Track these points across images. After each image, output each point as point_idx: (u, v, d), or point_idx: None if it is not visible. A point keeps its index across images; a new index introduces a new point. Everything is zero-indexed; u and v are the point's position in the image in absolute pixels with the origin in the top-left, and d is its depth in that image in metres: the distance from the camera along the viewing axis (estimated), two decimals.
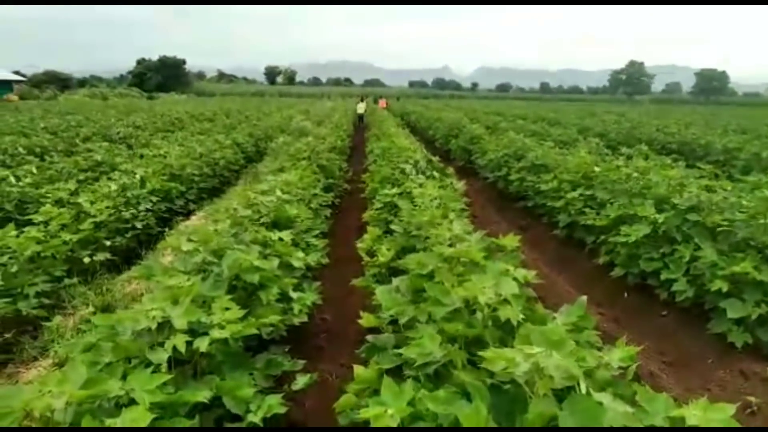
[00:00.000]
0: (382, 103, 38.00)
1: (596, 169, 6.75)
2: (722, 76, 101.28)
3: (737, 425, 1.73)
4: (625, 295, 5.39)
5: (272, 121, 19.45)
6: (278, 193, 5.01)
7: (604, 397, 1.58)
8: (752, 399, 3.51)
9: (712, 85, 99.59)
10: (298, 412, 3.21)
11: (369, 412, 1.80)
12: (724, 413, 1.76)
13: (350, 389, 2.32)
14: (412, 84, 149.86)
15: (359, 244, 4.40)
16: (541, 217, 7.78)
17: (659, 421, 1.72)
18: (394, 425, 1.70)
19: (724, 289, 3.90)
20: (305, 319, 3.51)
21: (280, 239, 3.86)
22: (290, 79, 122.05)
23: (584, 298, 2.67)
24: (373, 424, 1.75)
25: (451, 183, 6.41)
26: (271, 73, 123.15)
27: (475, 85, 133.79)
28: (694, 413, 1.71)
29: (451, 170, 7.93)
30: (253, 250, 3.35)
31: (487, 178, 10.66)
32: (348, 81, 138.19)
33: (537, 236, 7.65)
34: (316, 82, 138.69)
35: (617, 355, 2.12)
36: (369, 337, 2.70)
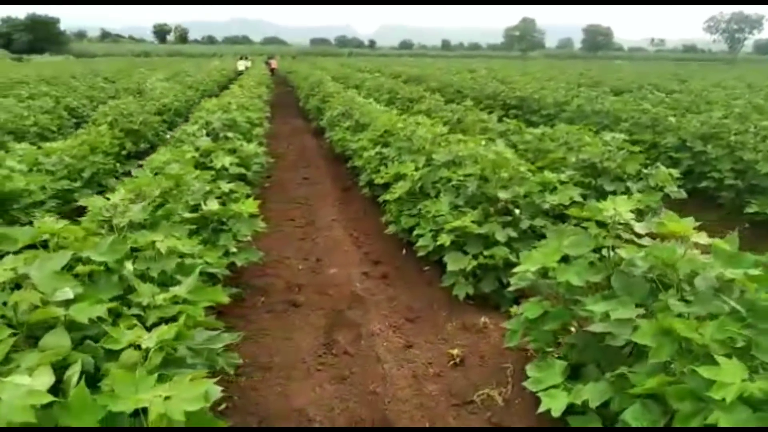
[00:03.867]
0: (273, 63, 36.58)
1: (399, 126, 6.70)
2: (607, 32, 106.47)
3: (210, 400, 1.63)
4: (404, 251, 5.42)
5: (129, 83, 18.17)
6: (10, 163, 4.52)
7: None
8: (454, 352, 3.58)
9: (598, 40, 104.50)
10: None
11: None
12: (198, 389, 1.64)
13: None
14: (314, 42, 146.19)
15: None
16: (357, 177, 7.70)
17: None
18: None
19: (447, 243, 3.93)
20: None
21: None
22: (182, 38, 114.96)
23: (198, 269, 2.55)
24: None
25: (241, 145, 6.12)
26: (161, 32, 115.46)
27: (372, 43, 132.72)
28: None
29: (258, 131, 7.67)
30: None
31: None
32: (246, 39, 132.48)
33: (352, 196, 7.60)
34: (211, 40, 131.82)
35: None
36: None
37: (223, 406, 3.11)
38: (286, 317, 4.23)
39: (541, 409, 2.28)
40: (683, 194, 4.95)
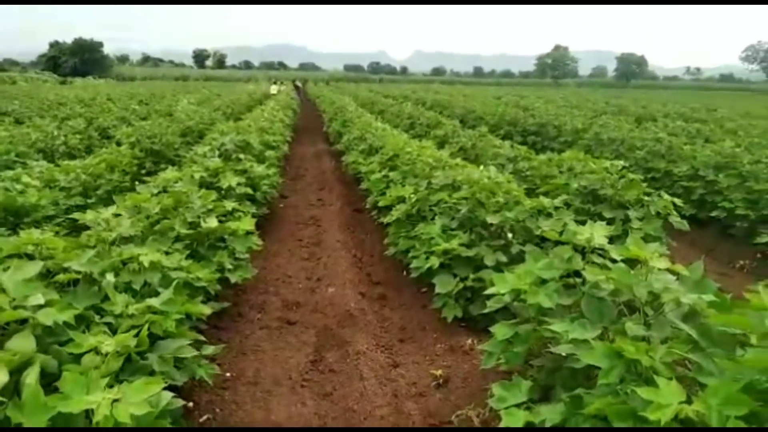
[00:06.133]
0: (301, 88, 37.83)
1: (408, 149, 6.79)
2: (641, 60, 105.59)
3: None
4: (404, 273, 5.45)
5: (162, 106, 18.76)
6: (25, 179, 4.75)
7: None
8: (438, 372, 3.60)
9: (631, 68, 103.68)
10: None
11: None
12: (146, 394, 1.72)
13: None
14: (347, 68, 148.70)
15: None
16: (367, 199, 7.80)
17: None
18: None
19: (436, 265, 3.97)
20: None
21: None
22: (220, 62, 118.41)
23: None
24: None
25: (251, 166, 6.29)
26: (200, 57, 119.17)
27: (404, 69, 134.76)
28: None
29: (271, 153, 7.84)
30: None
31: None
32: (281, 65, 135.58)
33: (361, 218, 7.69)
34: (248, 65, 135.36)
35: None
36: None
37: (204, 417, 3.17)
38: (279, 334, 4.30)
39: (501, 425, 2.29)
40: (685, 224, 4.88)
